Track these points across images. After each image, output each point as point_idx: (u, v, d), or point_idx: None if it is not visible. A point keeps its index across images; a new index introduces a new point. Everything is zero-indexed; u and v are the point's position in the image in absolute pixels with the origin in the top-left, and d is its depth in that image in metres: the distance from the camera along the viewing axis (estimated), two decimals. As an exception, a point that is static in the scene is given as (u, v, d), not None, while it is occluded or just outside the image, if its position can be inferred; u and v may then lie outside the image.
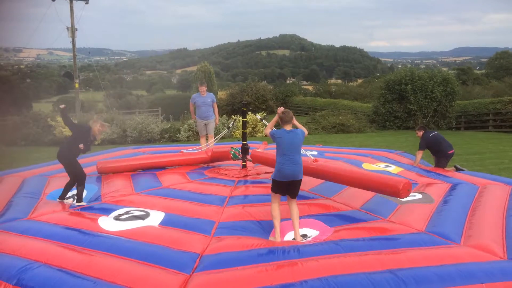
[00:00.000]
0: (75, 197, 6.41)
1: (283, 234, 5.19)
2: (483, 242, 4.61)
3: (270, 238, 5.10)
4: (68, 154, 6.34)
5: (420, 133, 9.03)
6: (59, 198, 6.34)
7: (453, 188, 6.90)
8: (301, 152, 5.36)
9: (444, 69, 41.93)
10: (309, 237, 5.17)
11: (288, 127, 5.27)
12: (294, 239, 5.10)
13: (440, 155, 8.83)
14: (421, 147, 8.86)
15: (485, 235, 4.82)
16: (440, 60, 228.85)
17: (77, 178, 6.36)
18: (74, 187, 6.38)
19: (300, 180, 5.22)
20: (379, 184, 5.71)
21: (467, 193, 6.59)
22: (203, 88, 9.92)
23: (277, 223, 5.11)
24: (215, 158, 8.62)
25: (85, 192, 6.61)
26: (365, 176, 6.05)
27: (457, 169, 8.56)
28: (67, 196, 6.41)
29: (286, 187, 5.15)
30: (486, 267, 4.02)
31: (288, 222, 5.31)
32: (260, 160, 8.00)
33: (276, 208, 5.18)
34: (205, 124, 10.06)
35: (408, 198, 6.25)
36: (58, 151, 6.42)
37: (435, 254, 4.32)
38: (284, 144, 5.14)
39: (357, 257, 4.20)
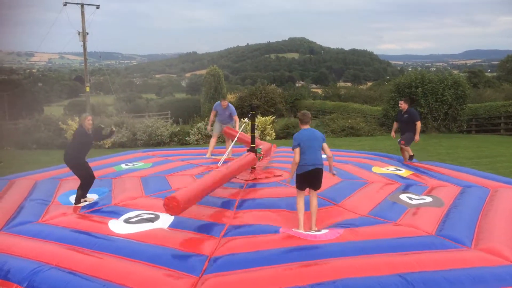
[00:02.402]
0: (85, 200, 6.52)
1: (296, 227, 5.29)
2: (494, 246, 4.57)
3: (294, 229, 5.29)
4: (75, 157, 6.46)
5: (405, 105, 9.16)
6: (74, 203, 6.41)
7: (463, 191, 6.84)
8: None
9: (455, 72, 41.68)
10: (319, 231, 5.19)
11: (306, 127, 5.66)
12: (310, 230, 5.32)
13: (413, 135, 9.00)
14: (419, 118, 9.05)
15: (496, 239, 4.77)
16: (450, 62, 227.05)
17: (82, 181, 6.47)
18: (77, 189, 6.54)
19: (322, 173, 5.52)
20: None
21: (478, 196, 6.52)
22: (225, 103, 10.06)
23: (301, 215, 5.43)
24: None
25: (96, 196, 6.67)
26: None
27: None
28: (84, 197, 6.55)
29: (309, 179, 5.47)
30: (497, 272, 3.98)
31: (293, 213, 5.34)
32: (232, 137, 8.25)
33: (300, 202, 5.51)
34: (220, 125, 10.14)
35: (418, 201, 6.22)
36: (64, 154, 6.56)
37: (445, 258, 4.29)
38: (303, 142, 5.46)
39: (366, 260, 4.18)
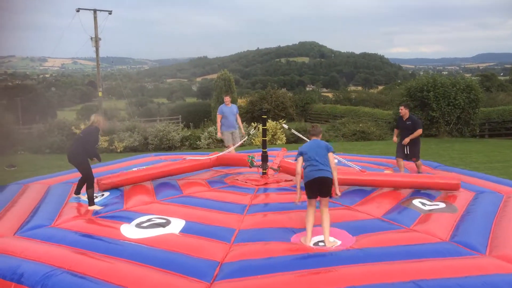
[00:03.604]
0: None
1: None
2: (509, 253, 4.50)
3: (301, 239, 5.21)
4: (81, 154, 6.58)
5: (406, 111, 8.70)
6: (89, 206, 6.50)
7: (477, 196, 6.75)
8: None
9: (467, 75, 41.23)
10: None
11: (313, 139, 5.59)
12: (324, 243, 5.12)
13: (416, 144, 8.60)
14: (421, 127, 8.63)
15: (511, 246, 4.69)
16: (462, 66, 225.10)
17: (88, 180, 6.58)
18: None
19: (330, 179, 5.31)
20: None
21: (491, 202, 6.43)
22: (228, 99, 10.06)
23: (309, 227, 5.25)
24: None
25: (106, 193, 6.80)
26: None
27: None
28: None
29: (317, 187, 5.29)
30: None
31: (303, 216, 5.30)
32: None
33: (311, 213, 5.34)
34: (231, 133, 10.16)
35: (431, 207, 6.16)
36: (69, 153, 6.66)
37: (460, 265, 4.23)
38: (307, 152, 5.38)
39: (380, 266, 4.14)
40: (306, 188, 5.37)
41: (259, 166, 8.22)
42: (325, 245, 5.07)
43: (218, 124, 10.12)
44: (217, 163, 8.74)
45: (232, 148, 9.50)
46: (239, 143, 9.82)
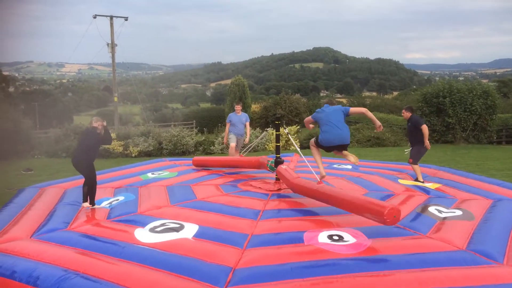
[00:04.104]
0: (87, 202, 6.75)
1: (315, 238, 5.16)
2: (528, 263, 4.40)
3: (317, 178, 6.11)
4: (86, 159, 6.68)
5: (407, 113, 8.59)
6: (91, 205, 6.69)
7: (494, 204, 6.64)
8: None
9: (484, 81, 40.67)
10: (346, 241, 5.07)
11: None
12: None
13: (421, 147, 8.40)
14: (423, 122, 8.48)
15: (530, 255, 4.59)
16: (479, 72, 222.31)
17: (89, 181, 6.70)
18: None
19: (347, 145, 6.12)
20: (362, 208, 5.27)
21: (509, 210, 6.31)
22: (239, 107, 10.15)
23: (318, 159, 6.28)
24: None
25: (121, 198, 6.88)
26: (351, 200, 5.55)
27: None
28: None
29: (332, 149, 6.16)
30: (531, 289, 3.83)
31: (318, 223, 5.24)
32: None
33: (316, 151, 6.40)
34: (237, 139, 10.28)
35: (447, 214, 6.07)
36: (73, 159, 6.75)
37: (477, 274, 4.15)
38: (324, 116, 6.07)
39: (395, 275, 4.09)
40: (318, 143, 6.23)
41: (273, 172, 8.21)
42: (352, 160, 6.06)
43: (226, 131, 10.31)
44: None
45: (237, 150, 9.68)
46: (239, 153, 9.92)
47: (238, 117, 10.19)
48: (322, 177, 6.75)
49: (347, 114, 6.64)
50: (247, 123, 10.37)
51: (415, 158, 8.48)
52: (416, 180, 8.35)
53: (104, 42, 30.56)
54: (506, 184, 8.04)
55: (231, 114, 10.35)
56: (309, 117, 7.08)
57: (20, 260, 4.62)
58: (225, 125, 10.66)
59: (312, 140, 6.86)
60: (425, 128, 8.29)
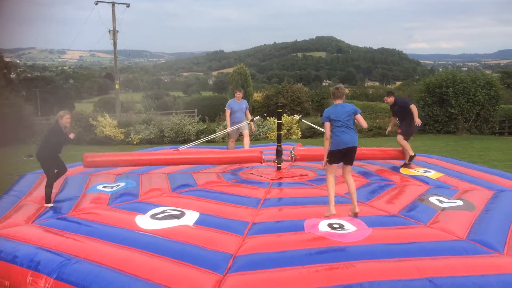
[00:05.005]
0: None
1: (315, 226, 5.17)
2: (529, 253, 4.40)
3: (325, 214, 5.43)
4: (44, 154, 6.43)
5: (390, 98, 8.50)
6: (45, 203, 6.29)
7: (496, 195, 6.63)
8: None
9: (488, 72, 40.49)
10: (347, 229, 5.09)
11: (339, 102, 5.68)
12: (352, 211, 5.46)
13: (411, 123, 8.32)
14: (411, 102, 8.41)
15: (530, 245, 4.59)
16: (483, 62, 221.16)
17: (47, 179, 6.41)
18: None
19: (355, 148, 5.58)
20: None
21: (511, 200, 6.31)
22: (240, 94, 9.93)
23: (332, 195, 5.48)
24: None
25: (122, 184, 6.85)
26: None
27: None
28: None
29: (342, 155, 5.51)
30: (531, 279, 3.83)
31: (319, 212, 5.25)
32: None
33: (331, 180, 5.54)
34: (237, 128, 10.01)
35: (448, 205, 6.06)
36: (37, 154, 6.50)
37: (476, 263, 4.16)
38: (334, 117, 5.52)
39: (395, 263, 4.10)
40: (331, 153, 5.56)
41: (273, 160, 8.19)
42: (355, 210, 5.42)
43: (227, 118, 9.89)
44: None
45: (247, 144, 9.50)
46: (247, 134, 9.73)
47: (239, 104, 9.92)
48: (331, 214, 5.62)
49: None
50: (247, 111, 10.18)
51: (405, 133, 8.49)
52: (406, 164, 8.48)
53: (106, 28, 30.36)
54: (507, 175, 8.03)
55: (231, 101, 10.11)
56: None
57: (22, 245, 4.65)
58: (226, 119, 10.31)
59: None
60: (413, 107, 8.32)
